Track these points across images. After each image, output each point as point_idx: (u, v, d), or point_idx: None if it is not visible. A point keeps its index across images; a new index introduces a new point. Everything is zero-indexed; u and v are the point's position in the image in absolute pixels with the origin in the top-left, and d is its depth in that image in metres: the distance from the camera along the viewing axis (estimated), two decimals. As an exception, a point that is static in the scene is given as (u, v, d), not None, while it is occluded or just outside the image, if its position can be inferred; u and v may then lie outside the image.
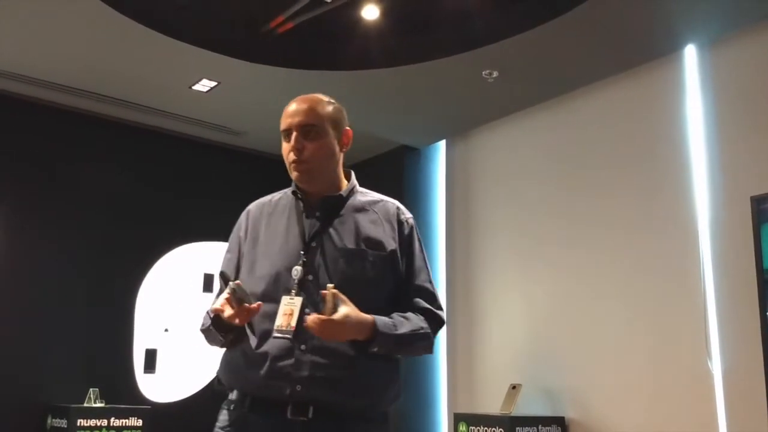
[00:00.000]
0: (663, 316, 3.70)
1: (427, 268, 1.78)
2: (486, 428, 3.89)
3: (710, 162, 3.64)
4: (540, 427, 3.88)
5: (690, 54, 3.82)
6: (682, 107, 3.81)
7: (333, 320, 1.46)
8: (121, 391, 4.49)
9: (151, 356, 4.80)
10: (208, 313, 1.66)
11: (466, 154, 5.13)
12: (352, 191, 1.80)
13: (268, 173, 5.54)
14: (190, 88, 4.37)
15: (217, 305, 1.56)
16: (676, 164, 3.78)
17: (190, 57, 3.96)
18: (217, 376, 1.70)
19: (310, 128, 1.72)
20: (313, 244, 1.64)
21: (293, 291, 1.57)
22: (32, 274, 4.40)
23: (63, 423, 4.00)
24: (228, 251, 1.78)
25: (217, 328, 1.61)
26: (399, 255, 1.71)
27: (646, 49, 3.85)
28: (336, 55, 4.10)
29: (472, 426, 4.00)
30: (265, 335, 1.56)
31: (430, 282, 1.77)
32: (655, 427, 3.63)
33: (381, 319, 1.56)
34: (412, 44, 3.98)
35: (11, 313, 4.27)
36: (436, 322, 1.71)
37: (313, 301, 1.56)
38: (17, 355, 4.25)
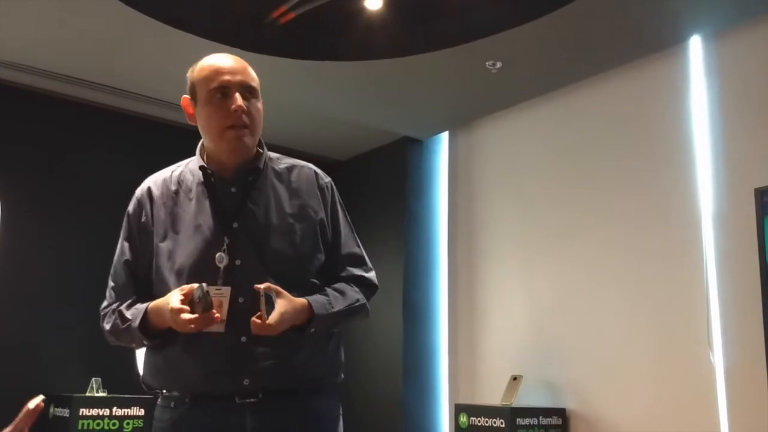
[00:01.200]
0: (665, 308, 3.69)
1: (352, 231, 1.69)
2: (487, 419, 3.89)
3: (714, 154, 3.63)
4: (541, 419, 3.88)
5: (695, 45, 3.80)
6: (687, 99, 3.79)
7: (272, 325, 1.37)
8: (124, 381, 4.50)
9: (153, 346, 4.81)
10: (120, 311, 1.52)
11: (469, 146, 5.11)
12: (265, 160, 1.60)
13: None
14: (191, 78, 4.36)
15: (174, 304, 1.36)
16: (680, 156, 3.77)
17: (191, 47, 3.95)
18: (143, 379, 1.57)
19: (252, 90, 1.55)
20: (235, 225, 1.50)
21: (220, 280, 1.45)
22: (34, 264, 4.40)
23: (65, 412, 4.02)
24: (126, 239, 1.58)
25: (143, 331, 1.47)
26: (326, 223, 1.61)
27: (651, 41, 3.82)
28: (338, 46, 4.08)
29: (473, 417, 4.00)
30: (193, 334, 1.41)
31: (358, 246, 1.69)
32: (657, 420, 3.63)
33: (316, 301, 1.49)
34: (415, 34, 3.96)
35: (14, 304, 4.28)
36: (370, 289, 1.65)
37: (243, 289, 1.44)
38: (19, 345, 4.26)
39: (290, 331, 1.45)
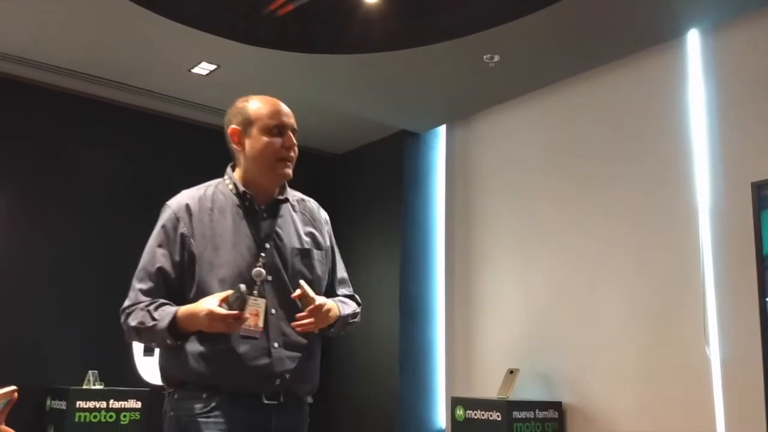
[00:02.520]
0: (662, 302, 3.70)
1: (340, 259, 1.96)
2: (483, 412, 3.91)
3: (711, 148, 3.63)
4: (537, 412, 3.90)
5: (693, 39, 3.80)
6: (684, 93, 3.79)
7: (323, 305, 1.67)
8: (121, 374, 4.50)
9: (150, 339, 4.81)
10: (149, 311, 1.64)
11: (467, 140, 5.11)
12: (288, 193, 1.87)
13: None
14: (189, 71, 4.34)
15: (213, 307, 1.55)
16: (677, 150, 3.77)
17: (189, 40, 3.94)
18: (169, 372, 1.70)
19: (296, 133, 1.82)
20: (267, 246, 1.73)
21: (255, 292, 1.65)
22: (32, 257, 4.39)
23: (62, 405, 4.02)
24: (161, 246, 1.71)
25: (170, 332, 1.61)
26: (329, 251, 1.89)
27: (649, 34, 3.82)
28: (336, 39, 4.07)
29: (470, 410, 4.02)
30: (234, 336, 1.64)
31: (345, 271, 1.97)
32: (653, 413, 3.64)
33: (339, 303, 1.81)
34: (412, 27, 3.95)
35: (11, 296, 4.28)
36: (358, 305, 1.93)
37: (275, 303, 1.70)
38: (16, 338, 4.25)
39: (304, 336, 1.72)
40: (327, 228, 1.91)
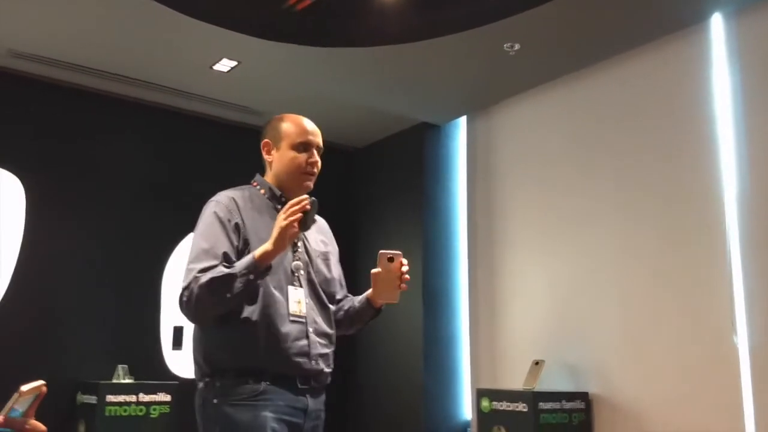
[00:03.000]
0: (688, 291, 3.66)
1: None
2: (509, 403, 3.90)
3: (737, 135, 3.57)
4: (563, 402, 3.88)
5: (716, 24, 3.73)
6: (709, 79, 3.73)
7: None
8: (150, 368, 4.57)
9: (178, 333, 4.87)
10: (220, 268, 1.75)
11: (487, 130, 5.08)
12: None
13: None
14: (211, 68, 4.38)
15: (287, 221, 1.74)
16: (702, 136, 3.71)
17: (210, 37, 3.97)
18: (215, 357, 1.80)
19: (321, 151, 2.03)
20: (299, 245, 1.95)
21: (296, 283, 1.89)
22: (60, 254, 4.47)
23: (93, 399, 4.09)
24: (218, 231, 1.85)
25: (255, 268, 1.75)
26: (338, 260, 2.11)
27: (671, 20, 3.77)
28: (355, 32, 4.07)
29: (495, 401, 4.01)
30: (281, 319, 1.81)
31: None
32: (680, 403, 3.61)
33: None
34: (431, 18, 3.94)
35: (41, 293, 4.36)
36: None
37: (307, 293, 1.91)
38: (47, 334, 4.34)
39: (330, 326, 1.96)
40: (334, 240, 2.15)
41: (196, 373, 1.86)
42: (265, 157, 2.02)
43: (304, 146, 1.97)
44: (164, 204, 4.90)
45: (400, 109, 5.02)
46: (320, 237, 2.06)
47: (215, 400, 1.78)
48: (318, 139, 2.01)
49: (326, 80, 4.56)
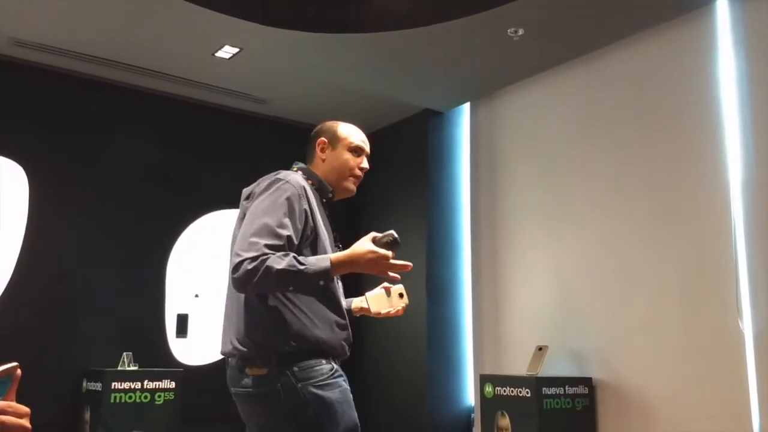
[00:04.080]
0: (693, 275, 3.65)
1: None
2: (512, 389, 3.90)
3: (742, 117, 3.55)
4: (567, 388, 3.88)
5: (722, 7, 3.70)
6: (714, 63, 3.70)
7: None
8: (155, 355, 4.60)
9: (183, 321, 4.89)
10: (294, 257, 1.80)
11: (491, 117, 5.06)
12: None
13: (291, 141, 5.55)
14: (213, 55, 4.36)
15: (374, 247, 1.85)
16: (707, 121, 3.69)
17: (212, 23, 3.95)
18: (286, 340, 1.85)
19: (368, 158, 2.21)
20: (335, 236, 2.10)
21: (338, 277, 2.02)
22: (65, 242, 4.49)
23: (98, 386, 4.11)
24: (288, 215, 1.89)
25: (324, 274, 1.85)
26: None
27: (676, 3, 3.74)
28: (357, 18, 4.05)
29: (498, 387, 4.02)
30: (341, 309, 1.99)
31: None
32: (685, 389, 3.61)
33: None
34: (434, 3, 3.91)
35: (46, 281, 4.38)
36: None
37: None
38: (53, 321, 4.36)
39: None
40: None
41: (253, 359, 1.86)
42: (318, 153, 2.15)
43: (358, 151, 2.15)
44: (168, 192, 4.91)
45: (404, 96, 5.00)
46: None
47: (299, 384, 1.82)
48: (368, 147, 2.20)
49: (329, 67, 4.54)
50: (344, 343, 1.97)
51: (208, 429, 4.72)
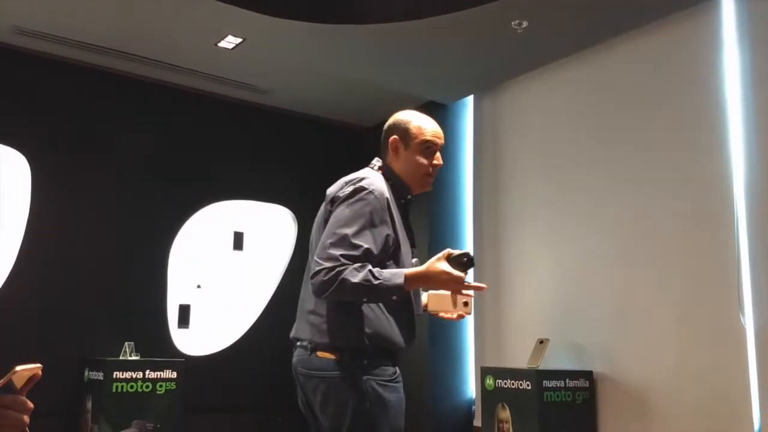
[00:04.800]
0: (694, 269, 3.64)
1: None
2: (513, 381, 3.91)
3: (745, 112, 3.53)
4: (567, 381, 3.88)
5: (727, 1, 3.67)
6: (718, 57, 3.68)
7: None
8: (157, 346, 4.61)
9: (184, 311, 4.91)
10: (371, 270, 1.84)
11: (495, 110, 5.05)
12: None
13: (293, 132, 5.57)
14: (216, 45, 4.35)
15: (448, 269, 1.85)
16: (711, 116, 3.67)
17: (214, 13, 3.93)
18: (360, 337, 1.91)
19: (442, 150, 2.14)
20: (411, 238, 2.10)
21: None
22: (67, 231, 4.49)
23: (100, 375, 4.12)
24: (368, 226, 1.91)
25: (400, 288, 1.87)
26: None
27: (682, -4, 3.72)
28: (361, 9, 4.03)
29: (499, 379, 4.02)
30: (414, 314, 2.03)
31: None
32: (685, 383, 3.61)
33: None
34: (438, -5, 3.89)
35: (49, 270, 4.39)
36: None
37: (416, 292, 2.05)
38: (55, 311, 4.37)
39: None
40: None
41: (326, 346, 1.90)
42: (392, 153, 2.10)
43: (429, 149, 2.08)
44: (170, 182, 4.91)
45: (408, 88, 4.99)
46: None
47: (364, 377, 1.88)
48: (442, 140, 2.12)
49: (332, 58, 4.53)
50: (408, 347, 2.01)
51: (209, 419, 4.74)
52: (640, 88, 4.06)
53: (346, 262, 1.84)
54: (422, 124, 2.11)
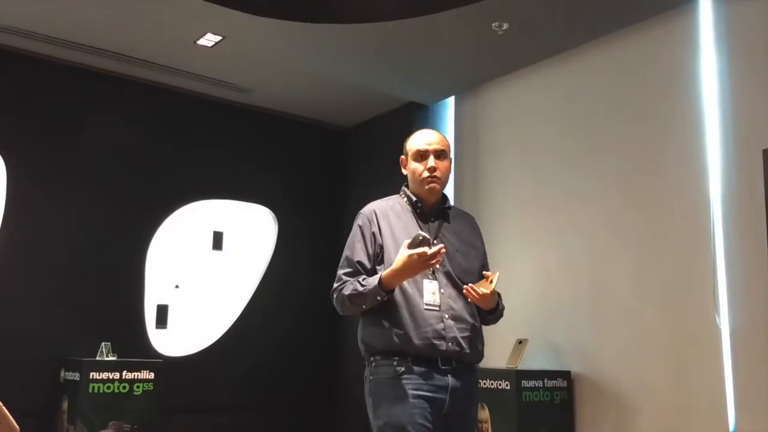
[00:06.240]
0: (671, 271, 3.69)
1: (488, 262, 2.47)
2: (492, 381, 3.93)
3: (723, 115, 3.58)
4: (546, 381, 3.91)
5: (704, 5, 3.72)
6: (696, 59, 3.73)
7: (493, 292, 2.22)
8: (134, 346, 4.56)
9: (162, 312, 4.86)
10: (358, 281, 2.16)
11: (476, 111, 5.07)
12: (449, 205, 2.40)
13: (274, 131, 5.55)
14: (195, 42, 4.32)
15: (409, 252, 2.06)
16: (688, 117, 3.72)
17: (194, 10, 3.90)
18: (367, 342, 2.22)
19: (441, 153, 2.31)
20: (435, 241, 2.20)
21: (430, 276, 2.20)
22: (44, 230, 4.43)
23: (76, 376, 4.08)
24: (357, 241, 2.26)
25: (381, 287, 2.10)
26: (484, 255, 2.43)
27: (659, 1, 3.75)
28: (342, 8, 4.02)
29: (479, 379, 4.03)
30: (416, 309, 2.15)
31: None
32: (662, 383, 3.65)
33: (497, 299, 2.32)
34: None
35: (24, 269, 4.32)
36: (502, 300, 2.42)
37: (443, 284, 2.22)
38: (31, 311, 4.31)
39: (469, 315, 2.23)
40: (481, 236, 2.46)
41: (363, 355, 2.27)
42: (404, 173, 2.38)
43: (421, 156, 2.29)
44: (148, 182, 4.86)
45: (388, 88, 4.99)
46: (461, 232, 2.35)
47: (371, 377, 2.19)
48: (435, 145, 2.30)
49: (313, 57, 4.52)
50: (423, 343, 2.12)
51: (186, 420, 4.70)
52: (618, 90, 4.10)
53: (346, 279, 2.21)
54: (415, 136, 2.35)
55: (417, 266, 2.07)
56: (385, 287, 2.12)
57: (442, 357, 2.14)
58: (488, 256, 2.47)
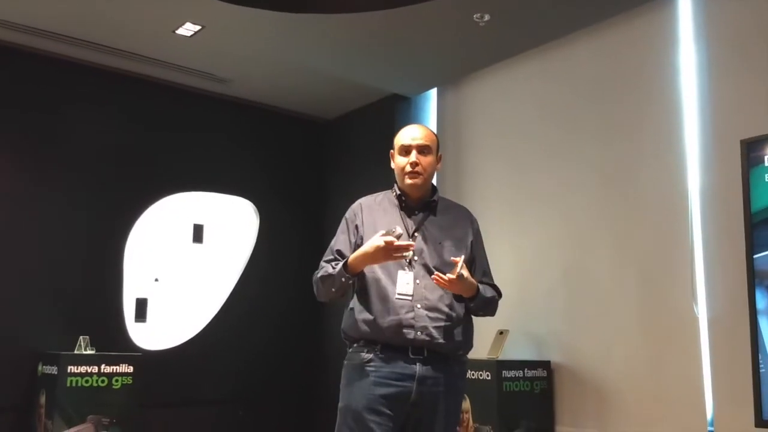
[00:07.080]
0: (650, 261, 3.72)
1: (485, 256, 2.51)
2: (473, 372, 3.93)
3: (701, 105, 3.61)
4: (526, 371, 3.94)
5: (684, -4, 3.75)
6: (675, 51, 3.76)
7: (457, 279, 2.14)
8: (112, 340, 4.51)
9: (141, 305, 4.81)
10: (330, 265, 2.27)
11: (458, 103, 5.06)
12: (437, 199, 2.43)
13: (254, 123, 5.50)
14: (174, 32, 4.26)
15: (378, 241, 2.13)
16: (666, 109, 3.75)
17: (176, 2, 3.85)
18: (345, 331, 2.32)
19: (425, 148, 2.37)
20: (416, 234, 2.30)
21: (406, 267, 2.24)
22: (21, 223, 4.36)
23: (54, 370, 4.03)
24: (341, 232, 2.38)
25: (345, 269, 2.21)
26: (473, 246, 2.41)
27: (640, -8, 3.77)
28: (323, -2, 3.99)
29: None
30: (386, 299, 2.21)
31: (488, 266, 2.50)
32: (640, 372, 3.68)
33: (480, 285, 2.31)
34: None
35: (1, 263, 4.25)
36: (498, 294, 2.44)
37: (419, 275, 2.24)
38: (7, 304, 4.25)
39: (446, 305, 2.24)
40: (475, 229, 2.47)
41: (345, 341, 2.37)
42: (392, 165, 2.44)
43: (405, 151, 2.36)
44: (126, 173, 4.80)
45: (370, 80, 4.97)
46: (446, 225, 2.37)
47: (346, 362, 2.29)
48: (418, 140, 2.35)
49: (294, 48, 4.48)
50: (391, 331, 2.18)
51: (165, 414, 4.66)
52: (599, 81, 4.12)
53: (323, 265, 2.31)
54: (402, 131, 2.41)
55: (380, 254, 2.13)
56: (350, 269, 2.21)
57: (413, 346, 2.18)
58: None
